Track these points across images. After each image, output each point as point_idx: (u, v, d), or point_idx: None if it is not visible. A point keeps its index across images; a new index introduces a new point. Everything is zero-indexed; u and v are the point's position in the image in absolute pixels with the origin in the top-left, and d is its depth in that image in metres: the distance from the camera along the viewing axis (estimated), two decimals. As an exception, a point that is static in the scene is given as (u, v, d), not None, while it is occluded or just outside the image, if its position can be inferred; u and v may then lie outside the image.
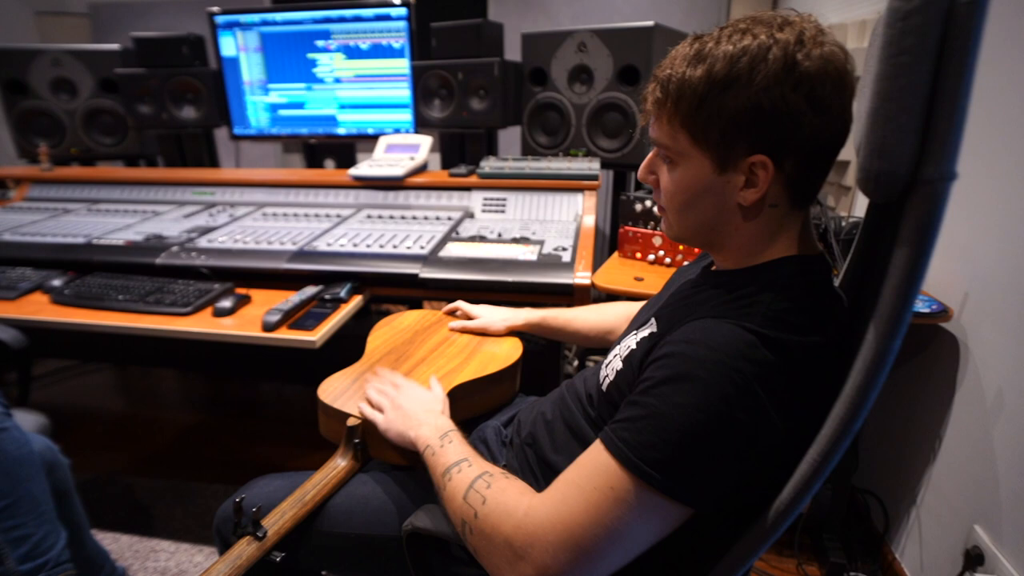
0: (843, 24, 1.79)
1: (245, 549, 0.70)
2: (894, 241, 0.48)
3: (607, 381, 0.68)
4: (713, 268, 0.73)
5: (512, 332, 1.10)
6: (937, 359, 1.26)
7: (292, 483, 0.81)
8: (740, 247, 0.64)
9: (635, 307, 1.05)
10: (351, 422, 0.83)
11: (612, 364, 0.69)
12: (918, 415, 1.33)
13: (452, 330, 1.11)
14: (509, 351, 1.04)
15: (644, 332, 0.66)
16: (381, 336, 1.09)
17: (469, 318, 1.13)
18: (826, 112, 0.55)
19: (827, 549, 1.39)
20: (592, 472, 0.55)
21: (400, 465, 0.84)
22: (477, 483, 0.63)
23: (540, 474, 0.77)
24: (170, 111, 2.21)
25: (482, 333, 1.10)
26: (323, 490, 0.80)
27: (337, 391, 0.89)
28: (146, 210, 1.83)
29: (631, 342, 0.67)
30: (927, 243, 0.45)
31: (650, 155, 0.67)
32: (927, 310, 1.18)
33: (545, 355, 1.39)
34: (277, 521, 0.74)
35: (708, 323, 0.56)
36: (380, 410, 0.82)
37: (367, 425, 0.83)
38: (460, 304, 1.16)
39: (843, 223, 1.32)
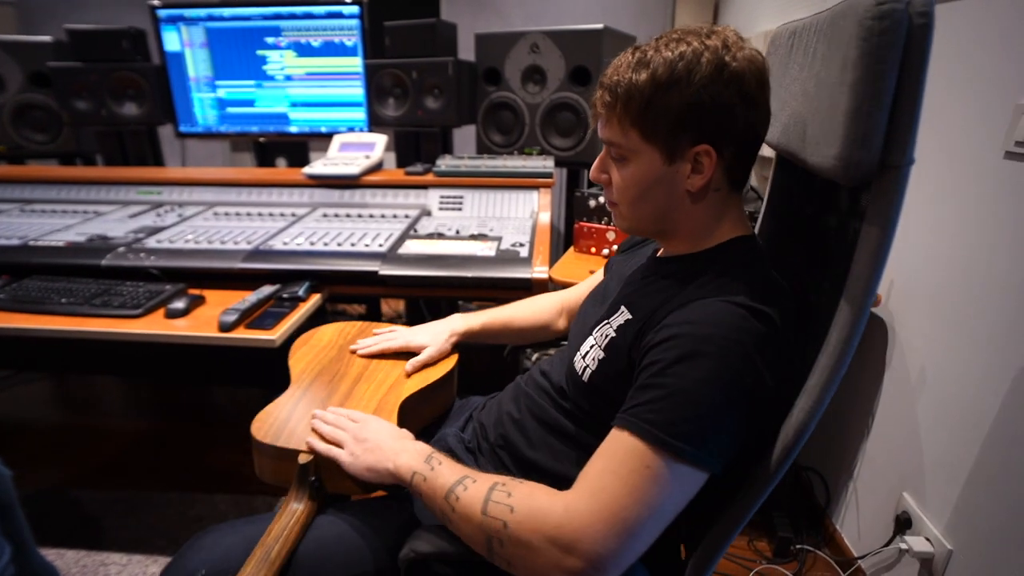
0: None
1: None
2: (852, 218, 0.60)
3: (588, 372, 0.71)
4: (661, 255, 0.78)
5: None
6: (867, 342, 1.36)
7: (245, 537, 0.72)
8: (692, 231, 0.71)
9: (559, 297, 1.09)
10: (303, 459, 0.75)
11: (591, 355, 0.72)
12: (852, 395, 1.43)
13: (411, 373, 0.96)
14: (446, 357, 1.01)
15: (618, 320, 0.70)
16: (304, 357, 0.99)
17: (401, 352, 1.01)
18: (753, 104, 0.64)
19: (775, 525, 1.48)
20: (625, 458, 0.58)
21: (356, 494, 0.78)
22: (494, 495, 0.62)
23: (518, 472, 0.79)
24: (110, 107, 2.12)
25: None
26: (288, 542, 0.71)
27: (275, 428, 0.80)
28: (87, 210, 1.75)
29: (608, 331, 0.71)
30: (895, 219, 0.55)
31: (601, 155, 0.73)
32: (858, 297, 1.27)
33: (497, 351, 1.37)
34: None
35: (701, 304, 0.62)
36: (339, 445, 0.76)
37: (321, 460, 0.76)
38: (386, 346, 1.01)
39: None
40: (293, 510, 0.73)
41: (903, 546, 1.14)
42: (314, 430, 0.79)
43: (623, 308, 0.71)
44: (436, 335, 1.01)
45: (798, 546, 1.45)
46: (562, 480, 0.73)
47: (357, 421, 0.79)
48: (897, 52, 0.51)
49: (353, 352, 1.01)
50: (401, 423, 0.84)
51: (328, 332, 1.08)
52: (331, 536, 0.75)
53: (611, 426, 0.62)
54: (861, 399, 1.39)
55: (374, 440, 0.75)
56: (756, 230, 0.96)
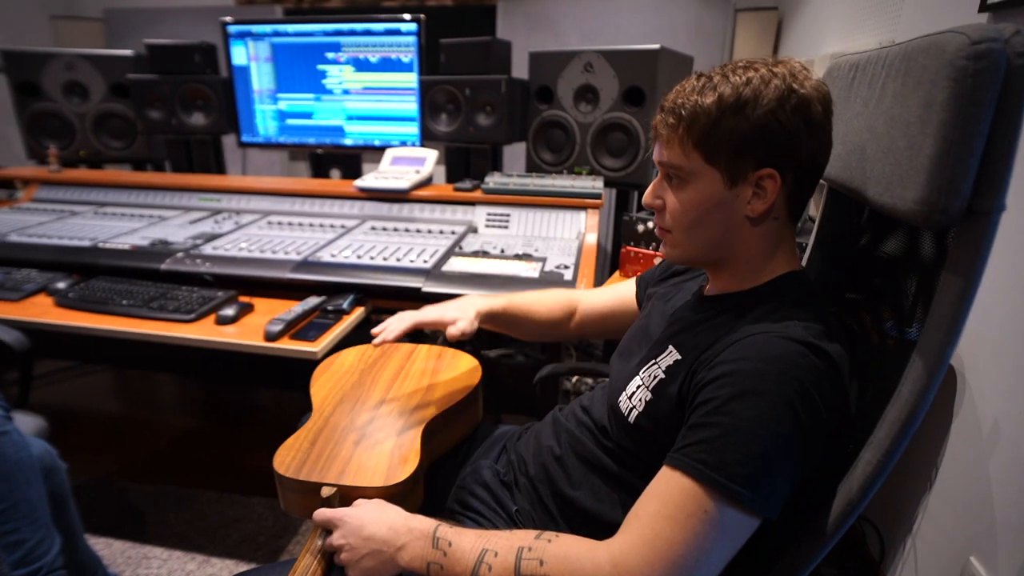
0: (843, 52, 1.82)
1: None
2: (927, 264, 0.57)
3: (635, 413, 0.69)
4: (708, 293, 0.75)
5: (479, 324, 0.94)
6: (935, 388, 1.26)
7: None
8: (746, 262, 0.69)
9: (574, 296, 1.03)
10: (326, 492, 0.73)
11: (637, 396, 0.69)
12: (915, 444, 1.32)
13: (455, 336, 0.88)
14: (469, 375, 0.99)
15: (667, 360, 0.68)
16: (326, 384, 0.97)
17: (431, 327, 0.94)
18: (818, 132, 0.63)
19: (822, 576, 1.39)
20: (681, 501, 0.55)
21: None
22: (524, 566, 0.58)
23: (557, 511, 0.77)
24: (180, 117, 2.24)
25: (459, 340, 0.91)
26: None
27: (298, 460, 0.78)
28: (152, 215, 1.85)
29: (655, 372, 0.68)
30: (981, 268, 0.52)
31: (655, 180, 0.71)
32: (925, 339, 1.19)
33: (516, 377, 1.35)
34: None
35: (757, 339, 0.59)
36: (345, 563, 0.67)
37: (345, 491, 0.73)
38: (400, 328, 0.91)
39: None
40: (317, 547, 0.70)
41: (968, 615, 1.05)
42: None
43: (671, 348, 0.69)
44: (464, 309, 0.91)
45: (848, 601, 1.35)
46: (601, 521, 0.70)
47: (347, 520, 0.68)
48: (993, 95, 0.48)
49: (376, 346, 0.91)
50: (425, 447, 0.82)
51: (350, 356, 1.06)
52: None
53: (660, 466, 0.59)
54: (924, 449, 1.29)
55: (370, 537, 0.66)
56: (804, 260, 0.92)
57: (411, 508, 0.71)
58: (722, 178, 0.64)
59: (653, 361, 0.70)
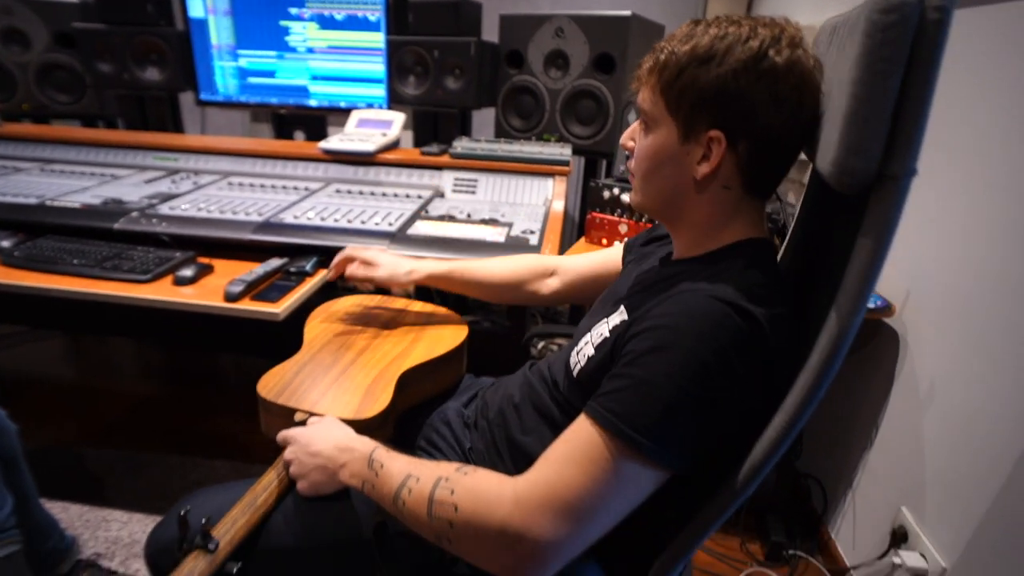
0: (812, 26, 1.84)
1: (196, 564, 0.62)
2: (855, 231, 0.54)
3: (578, 367, 0.70)
4: (672, 258, 0.77)
5: (419, 291, 1.08)
6: (878, 352, 1.33)
7: (235, 496, 0.74)
8: (696, 224, 0.69)
9: (552, 261, 1.07)
10: (299, 417, 0.79)
11: (583, 351, 0.71)
12: (859, 404, 1.41)
13: (352, 278, 1.06)
14: (455, 332, 1.04)
15: (616, 319, 0.69)
16: (319, 325, 1.04)
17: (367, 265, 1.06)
18: (783, 106, 0.61)
19: (769, 529, 1.47)
20: (585, 446, 0.57)
21: None
22: (437, 494, 0.61)
23: (507, 454, 0.79)
24: (132, 71, 2.13)
25: (387, 289, 1.07)
26: (275, 491, 0.74)
27: (279, 386, 0.85)
28: (104, 173, 1.77)
29: (603, 330, 0.69)
30: (889, 233, 0.51)
31: (635, 123, 0.72)
32: (873, 305, 1.25)
33: (507, 337, 1.40)
34: (228, 530, 0.67)
35: (684, 296, 0.60)
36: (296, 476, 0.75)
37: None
38: (353, 252, 1.07)
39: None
40: (286, 462, 0.76)
41: (896, 560, 1.13)
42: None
43: (622, 308, 0.70)
44: (397, 266, 1.04)
45: (791, 552, 1.44)
46: None
47: (294, 438, 0.76)
48: (903, 51, 0.46)
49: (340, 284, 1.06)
50: (400, 395, 0.87)
51: (346, 303, 1.13)
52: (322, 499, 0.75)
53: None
54: (867, 409, 1.36)
55: (314, 451, 0.73)
56: (787, 238, 0.93)
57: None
58: (678, 131, 0.64)
59: (604, 319, 0.71)
